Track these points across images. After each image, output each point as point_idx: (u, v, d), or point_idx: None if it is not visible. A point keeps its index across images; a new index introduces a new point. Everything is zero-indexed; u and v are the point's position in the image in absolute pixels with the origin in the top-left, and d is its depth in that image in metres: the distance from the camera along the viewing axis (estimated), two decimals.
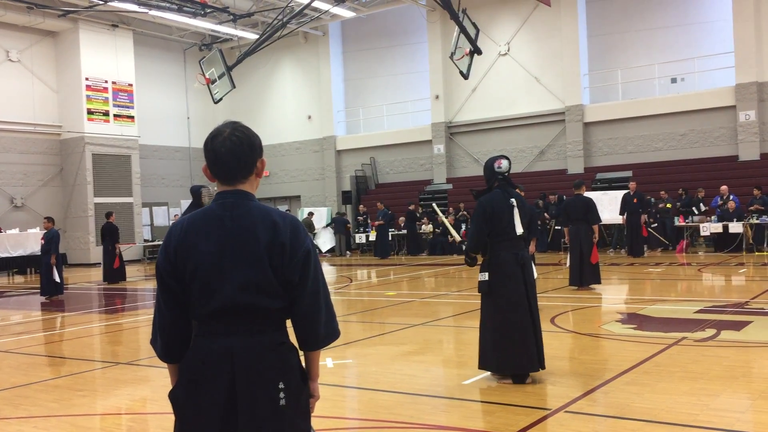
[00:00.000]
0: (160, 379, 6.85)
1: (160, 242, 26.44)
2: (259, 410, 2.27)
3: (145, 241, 27.71)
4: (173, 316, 2.39)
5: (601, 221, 11.94)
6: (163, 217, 28.64)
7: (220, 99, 23.68)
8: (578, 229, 11.74)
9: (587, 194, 12.22)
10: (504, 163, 5.91)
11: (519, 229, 5.85)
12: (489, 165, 5.97)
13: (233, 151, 2.37)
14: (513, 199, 5.86)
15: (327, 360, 6.81)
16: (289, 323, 2.44)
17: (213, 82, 23.51)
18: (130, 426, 5.31)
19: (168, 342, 2.42)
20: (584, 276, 11.64)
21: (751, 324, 7.94)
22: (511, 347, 5.66)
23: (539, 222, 20.23)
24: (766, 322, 8.09)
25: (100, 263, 19.78)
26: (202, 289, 2.32)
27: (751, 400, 5.18)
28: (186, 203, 26.49)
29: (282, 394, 2.29)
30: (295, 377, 2.36)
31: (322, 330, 2.41)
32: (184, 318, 2.40)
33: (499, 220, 5.75)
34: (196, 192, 7.81)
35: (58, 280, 14.56)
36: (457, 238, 6.80)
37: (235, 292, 2.29)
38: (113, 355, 8.47)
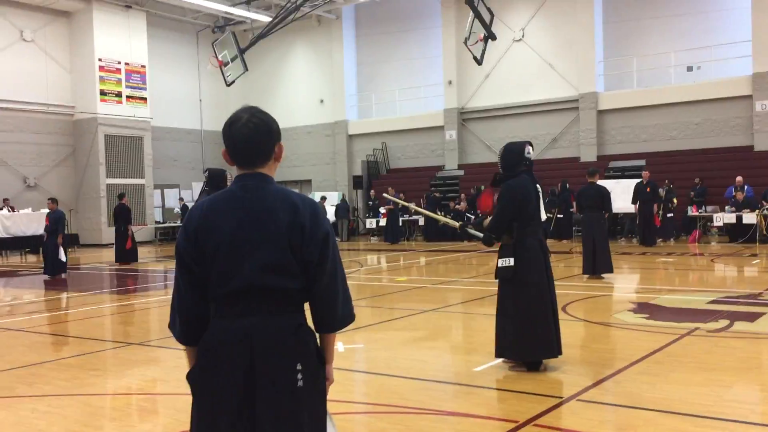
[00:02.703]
0: (171, 359, 6.88)
1: (172, 224, 26.64)
2: (277, 391, 2.28)
3: (157, 222, 27.82)
4: (192, 298, 2.40)
5: (611, 210, 11.87)
6: (175, 199, 28.72)
7: (233, 82, 23.69)
8: (591, 217, 11.68)
9: (600, 182, 12.12)
10: (530, 149, 5.88)
11: (543, 215, 5.83)
12: (518, 150, 5.87)
13: (251, 136, 2.40)
14: (538, 186, 5.84)
15: (338, 344, 6.82)
16: (306, 307, 2.45)
17: (226, 64, 23.51)
18: (142, 406, 5.33)
19: (186, 324, 2.43)
20: (597, 265, 11.59)
21: (765, 315, 7.88)
22: (532, 334, 5.60)
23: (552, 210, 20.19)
24: None
25: (112, 244, 19.88)
26: (222, 270, 2.33)
27: (765, 392, 5.15)
28: (197, 185, 26.59)
29: (300, 376, 2.31)
30: (313, 359, 2.38)
31: (339, 312, 2.44)
32: (203, 300, 2.40)
33: (527, 205, 5.71)
34: (219, 175, 7.75)
35: (64, 259, 14.88)
36: (454, 223, 6.61)
37: (255, 272, 2.31)
38: (125, 335, 8.52)
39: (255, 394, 2.27)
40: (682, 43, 22.61)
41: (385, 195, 8.23)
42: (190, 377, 2.41)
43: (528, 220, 5.73)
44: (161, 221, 28.16)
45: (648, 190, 17.70)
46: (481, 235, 6.12)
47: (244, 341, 2.29)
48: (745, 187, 18.32)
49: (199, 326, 2.41)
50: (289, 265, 2.33)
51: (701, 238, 18.85)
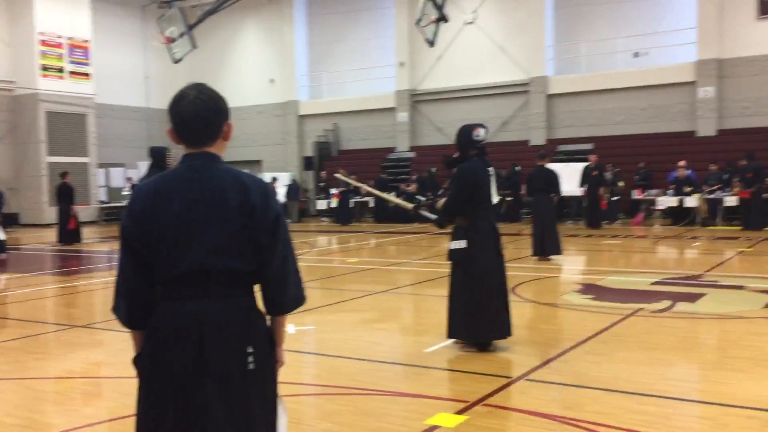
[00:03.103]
0: (116, 342, 6.73)
1: (117, 204, 25.94)
2: (228, 374, 2.26)
3: (101, 202, 27.13)
4: (138, 281, 2.34)
5: (560, 193, 12.06)
6: (120, 179, 28.02)
7: (180, 59, 23.16)
8: (541, 200, 11.84)
9: (549, 166, 12.28)
10: (481, 131, 5.85)
11: (495, 198, 5.86)
12: (466, 133, 5.86)
13: (198, 114, 2.34)
14: (490, 168, 5.84)
15: (289, 326, 6.76)
16: (256, 289, 2.41)
17: (173, 41, 22.94)
18: (86, 389, 5.20)
19: (133, 307, 2.37)
20: (546, 246, 11.77)
21: (705, 296, 8.13)
22: (484, 315, 5.66)
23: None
24: (719, 295, 8.29)
25: (54, 224, 19.32)
26: (170, 252, 2.28)
27: (704, 370, 5.31)
28: (143, 165, 25.98)
29: (251, 358, 2.30)
30: (263, 342, 2.37)
31: (290, 294, 2.42)
32: (149, 283, 2.35)
33: (480, 188, 5.72)
34: (159, 153, 7.55)
35: (3, 238, 14.39)
36: (407, 205, 6.59)
37: (205, 254, 2.27)
38: (68, 317, 8.29)
39: (205, 378, 2.24)
40: (629, 29, 23.00)
41: (337, 175, 8.15)
42: (138, 361, 2.36)
43: (480, 202, 5.76)
44: (106, 201, 27.47)
45: (595, 173, 18.04)
46: (434, 217, 6.14)
47: (193, 324, 2.26)
48: (687, 171, 18.82)
49: (145, 310, 2.36)
50: (239, 247, 2.29)
51: (645, 221, 19.33)
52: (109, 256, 15.29)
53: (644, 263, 12.00)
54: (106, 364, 5.97)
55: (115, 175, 28.27)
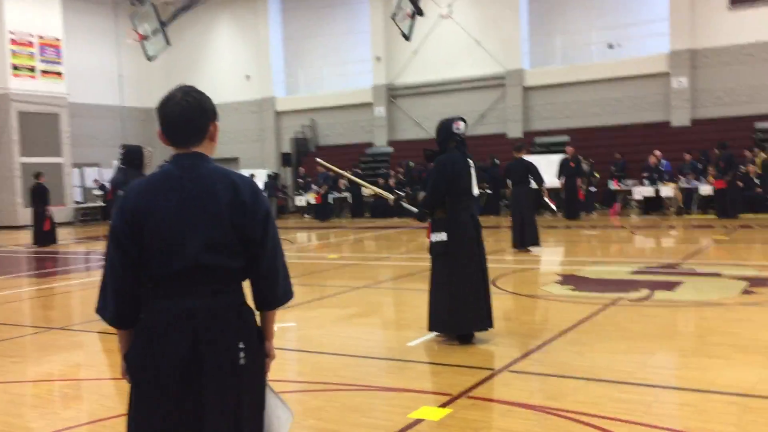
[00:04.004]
0: (95, 344, 6.67)
1: (92, 204, 25.60)
2: (220, 369, 2.30)
3: (77, 203, 26.80)
4: (128, 279, 2.36)
5: (544, 182, 12.14)
6: (94, 178, 27.70)
7: (154, 56, 22.97)
8: (519, 192, 11.90)
9: (525, 157, 12.34)
10: (461, 124, 5.88)
11: (476, 191, 5.88)
12: (446, 126, 5.89)
13: (185, 115, 2.40)
14: (470, 161, 5.86)
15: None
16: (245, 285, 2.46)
17: (146, 38, 22.74)
18: (65, 392, 5.13)
19: (122, 306, 2.38)
20: (525, 238, 11.83)
21: (682, 284, 8.22)
22: (465, 308, 5.67)
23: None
24: (696, 283, 8.38)
25: (28, 225, 19.04)
26: (162, 251, 2.31)
27: (684, 357, 5.36)
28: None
29: (242, 354, 2.34)
30: (254, 337, 2.42)
31: (280, 289, 2.48)
32: (138, 281, 2.37)
33: (459, 180, 5.73)
34: (134, 152, 7.44)
35: None
36: (389, 196, 6.59)
37: (197, 251, 2.31)
38: (45, 320, 8.19)
39: (199, 373, 2.28)
40: (603, 21, 23.15)
41: (318, 159, 8.07)
42: (129, 360, 2.38)
43: (460, 195, 5.77)
44: (81, 201, 27.14)
45: (572, 165, 18.17)
46: (414, 209, 6.14)
47: (187, 321, 2.29)
48: (663, 161, 19.02)
49: (134, 308, 2.38)
50: (231, 244, 2.34)
51: (621, 211, 19.51)
52: (85, 257, 15.12)
53: (622, 253, 12.11)
54: (85, 366, 5.90)
55: (90, 175, 27.94)
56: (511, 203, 12.04)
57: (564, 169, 18.12)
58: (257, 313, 2.50)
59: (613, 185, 20.02)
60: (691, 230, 14.94)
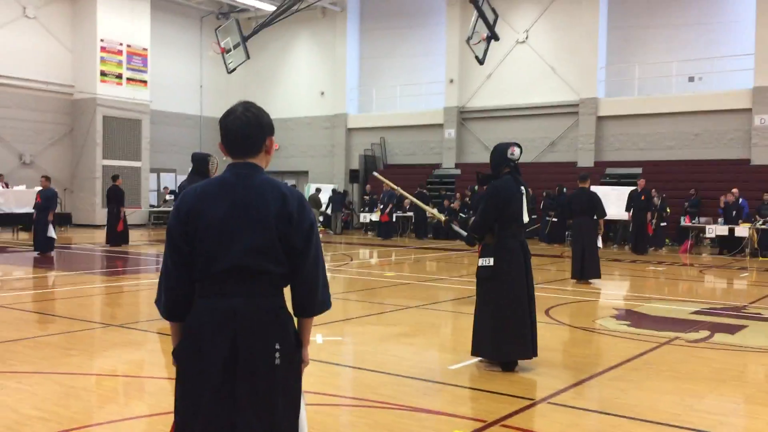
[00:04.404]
0: (152, 343, 6.88)
1: (166, 208, 26.53)
2: (256, 367, 2.43)
3: (151, 206, 27.77)
4: (180, 276, 2.53)
5: (605, 215, 11.91)
6: (170, 184, 28.69)
7: (234, 69, 23.63)
8: (581, 222, 11.69)
9: (594, 188, 12.12)
10: (516, 150, 5.86)
11: (526, 218, 5.84)
12: (501, 150, 5.90)
13: (243, 128, 2.57)
14: (522, 187, 5.83)
15: (317, 336, 6.81)
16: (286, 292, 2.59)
17: (228, 51, 23.44)
18: (113, 387, 5.32)
19: (172, 300, 2.57)
20: (585, 270, 11.60)
21: (746, 328, 7.89)
22: (508, 334, 5.62)
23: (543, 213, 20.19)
24: (761, 327, 8.03)
25: (104, 225, 19.84)
26: (210, 251, 2.48)
27: (736, 404, 5.15)
28: None
29: (278, 354, 2.47)
30: (291, 340, 2.54)
31: (318, 297, 2.60)
32: (189, 279, 2.54)
33: (510, 206, 5.72)
34: (201, 159, 7.73)
35: (53, 236, 14.96)
36: (441, 217, 6.60)
37: (242, 254, 2.46)
38: (110, 316, 8.51)
39: (236, 370, 2.41)
40: (684, 53, 22.59)
41: (375, 174, 8.13)
42: (176, 352, 2.55)
43: (510, 221, 5.74)
44: (156, 205, 28.11)
45: (642, 198, 17.71)
46: (463, 233, 6.13)
47: (228, 320, 2.43)
48: (740, 200, 18.32)
49: (183, 303, 2.55)
50: (274, 250, 2.47)
51: (693, 249, 18.86)
52: (155, 259, 15.63)
53: (687, 292, 11.70)
54: (139, 363, 6.10)
55: (166, 180, 28.94)
56: (573, 233, 11.83)
57: (634, 202, 17.67)
58: (296, 320, 2.63)
59: (685, 221, 19.39)
60: (764, 273, 14.31)
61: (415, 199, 7.68)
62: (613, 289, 11.50)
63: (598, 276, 11.71)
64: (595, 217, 11.69)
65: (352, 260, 15.92)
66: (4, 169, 23.80)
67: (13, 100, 24.35)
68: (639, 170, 21.63)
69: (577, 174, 21.52)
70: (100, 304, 9.62)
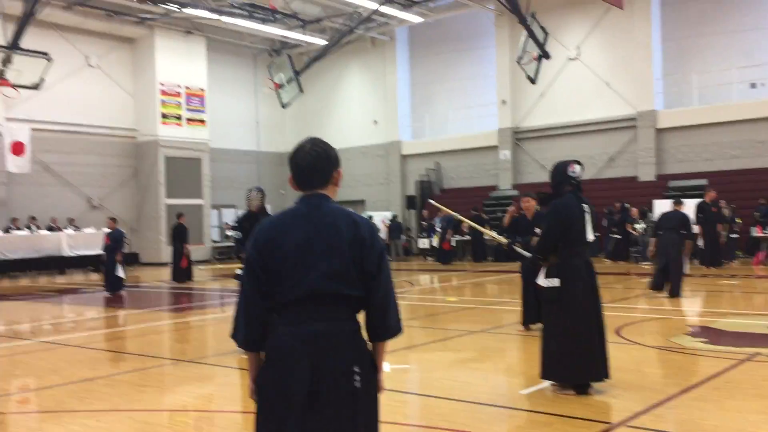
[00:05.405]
0: (223, 377, 6.96)
1: (228, 244, 26.98)
2: (337, 390, 2.50)
3: (214, 242, 28.32)
4: (257, 304, 2.62)
5: (692, 235, 11.86)
6: (231, 220, 29.24)
7: (288, 103, 24.06)
8: (669, 237, 11.47)
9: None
10: (577, 168, 5.76)
11: (590, 236, 5.70)
12: (561, 169, 5.81)
13: (313, 164, 2.69)
14: (585, 205, 5.70)
15: (384, 365, 6.76)
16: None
17: (281, 86, 23.89)
18: (185, 422, 5.39)
19: (250, 329, 2.63)
20: (665, 282, 11.44)
21: None
22: (578, 356, 5.47)
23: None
24: None
25: (170, 263, 20.32)
26: (289, 279, 2.56)
27: None
28: None
29: (357, 377, 2.53)
30: (368, 363, 2.62)
31: (392, 321, 2.68)
32: (267, 308, 2.62)
33: (573, 226, 5.61)
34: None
35: (122, 276, 15.36)
36: (502, 240, 6.50)
37: (320, 279, 2.54)
38: (179, 352, 8.66)
39: (318, 394, 2.47)
40: (744, 60, 21.95)
41: (430, 200, 8.16)
42: (259, 380, 2.61)
43: (574, 240, 5.61)
44: (218, 240, 28.67)
45: (713, 210, 17.12)
46: (527, 254, 6.03)
47: (307, 346, 2.51)
48: None
49: (261, 332, 2.63)
50: (350, 274, 2.56)
51: (766, 260, 18.13)
52: (219, 294, 15.90)
53: (764, 305, 11.22)
54: (210, 398, 6.17)
55: (228, 216, 29.54)
56: (659, 247, 11.58)
57: (705, 215, 17.08)
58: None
59: (756, 232, 18.69)
60: None
61: (473, 223, 7.60)
62: (686, 305, 11.12)
63: (678, 294, 11.34)
64: (682, 232, 11.44)
65: (413, 286, 15.86)
66: (74, 213, 24.71)
67: (80, 147, 25.33)
68: (704, 181, 20.97)
69: (639, 189, 21.14)
70: (169, 340, 9.81)
